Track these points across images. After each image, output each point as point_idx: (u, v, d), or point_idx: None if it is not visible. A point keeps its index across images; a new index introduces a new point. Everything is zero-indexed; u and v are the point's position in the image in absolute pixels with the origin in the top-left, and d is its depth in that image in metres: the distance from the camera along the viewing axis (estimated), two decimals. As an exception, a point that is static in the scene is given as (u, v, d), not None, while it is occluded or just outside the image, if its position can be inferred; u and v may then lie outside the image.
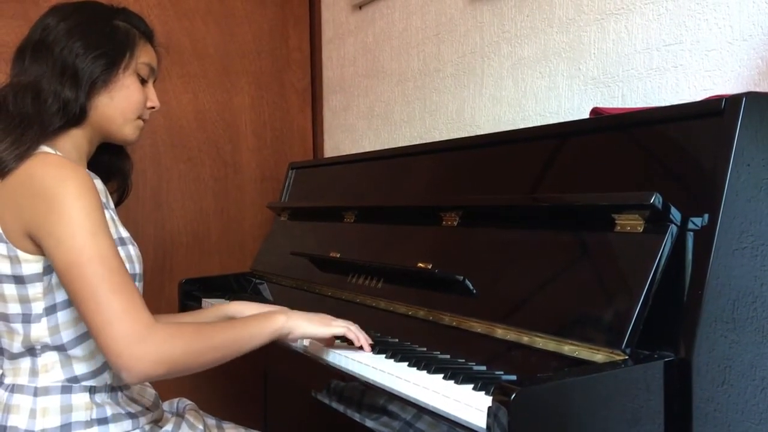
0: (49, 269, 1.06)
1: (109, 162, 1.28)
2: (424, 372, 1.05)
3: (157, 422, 1.22)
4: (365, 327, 1.22)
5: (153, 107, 1.23)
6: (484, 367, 1.08)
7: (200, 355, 1.04)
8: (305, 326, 1.15)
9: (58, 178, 1.02)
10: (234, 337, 1.09)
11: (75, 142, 1.15)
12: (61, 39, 1.12)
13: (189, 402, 1.35)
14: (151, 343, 0.98)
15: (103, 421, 1.10)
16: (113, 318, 0.97)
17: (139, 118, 1.21)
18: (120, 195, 1.31)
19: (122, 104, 1.17)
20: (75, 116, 1.11)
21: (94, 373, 1.11)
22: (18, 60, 1.15)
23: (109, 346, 0.97)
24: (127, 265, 1.12)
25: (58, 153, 1.10)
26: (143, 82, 1.20)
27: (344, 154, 2.34)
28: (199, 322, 1.29)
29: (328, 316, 1.20)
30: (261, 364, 2.15)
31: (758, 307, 0.96)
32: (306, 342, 1.28)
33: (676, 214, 0.95)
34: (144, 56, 1.20)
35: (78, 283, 0.99)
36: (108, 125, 1.17)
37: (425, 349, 1.21)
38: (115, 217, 1.17)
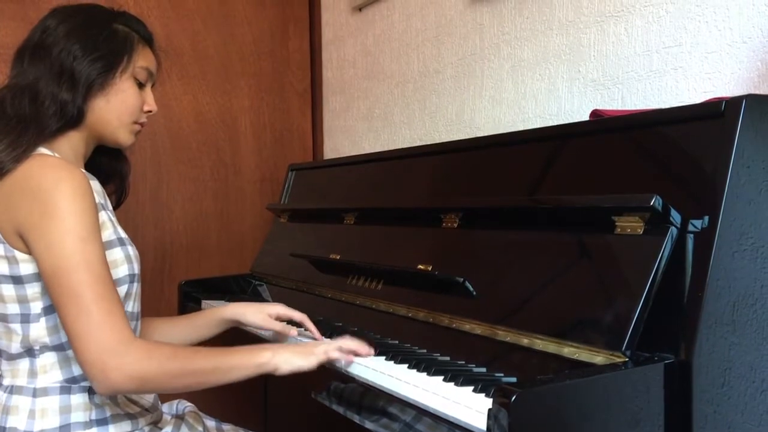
0: None
1: (107, 164, 1.28)
2: (424, 374, 1.05)
3: (157, 423, 1.22)
4: (365, 329, 1.22)
5: (150, 111, 1.23)
6: (484, 369, 1.08)
7: (174, 377, 1.03)
8: (292, 360, 1.11)
9: (54, 180, 1.02)
10: (213, 366, 1.07)
11: (72, 144, 1.15)
12: (59, 41, 1.12)
13: (189, 404, 1.35)
14: (126, 358, 0.98)
15: (102, 422, 1.10)
16: (92, 327, 0.98)
17: (136, 122, 1.21)
18: (118, 197, 1.31)
19: (118, 107, 1.17)
20: (72, 118, 1.12)
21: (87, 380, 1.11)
22: (17, 61, 1.15)
23: (84, 354, 0.98)
24: (126, 266, 1.13)
25: (56, 155, 1.10)
26: (141, 85, 1.20)
27: (344, 155, 2.34)
28: (180, 345, 1.28)
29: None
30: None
31: (758, 309, 0.96)
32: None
33: (676, 216, 0.95)
34: (142, 60, 1.20)
35: (63, 289, 0.99)
36: (103, 128, 1.17)
37: (425, 350, 1.21)
38: (113, 218, 1.17)
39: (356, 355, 1.15)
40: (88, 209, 1.03)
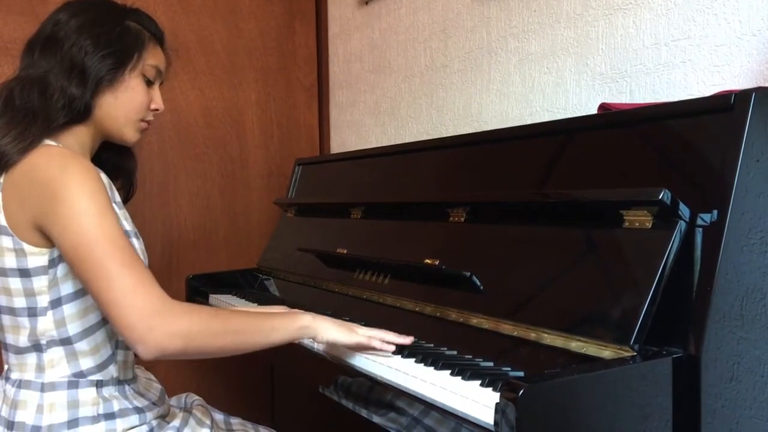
0: (54, 262, 1.06)
1: (113, 160, 1.29)
2: (432, 368, 1.05)
3: (164, 417, 1.22)
4: (372, 323, 1.22)
5: (157, 110, 1.23)
6: (491, 364, 1.08)
7: (217, 335, 1.02)
8: (332, 331, 1.11)
9: (61, 167, 1.02)
10: (255, 325, 1.06)
11: (78, 138, 1.15)
12: (71, 35, 1.12)
13: (197, 397, 1.35)
14: (167, 316, 0.97)
15: (110, 416, 1.10)
16: (126, 292, 0.96)
17: (143, 120, 1.21)
18: (126, 193, 1.32)
19: (125, 104, 1.17)
20: (79, 113, 1.12)
21: (100, 367, 1.11)
22: (27, 53, 1.16)
23: (124, 318, 0.96)
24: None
25: (61, 146, 1.10)
26: (149, 83, 1.20)
27: (351, 150, 2.34)
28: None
29: (354, 324, 1.16)
30: (267, 359, 2.16)
31: (767, 303, 0.96)
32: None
33: (684, 210, 0.94)
34: (152, 58, 1.20)
35: (87, 264, 0.98)
36: (109, 124, 1.17)
37: (432, 345, 1.21)
38: (120, 211, 1.17)
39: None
40: (98, 190, 1.03)
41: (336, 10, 2.48)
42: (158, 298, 0.98)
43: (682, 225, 0.94)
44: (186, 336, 0.98)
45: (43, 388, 1.08)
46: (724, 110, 0.96)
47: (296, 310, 1.15)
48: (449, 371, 1.02)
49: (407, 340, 1.16)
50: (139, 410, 1.14)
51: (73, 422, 1.07)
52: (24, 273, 1.06)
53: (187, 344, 0.98)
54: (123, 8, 1.21)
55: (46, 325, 1.08)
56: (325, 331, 1.11)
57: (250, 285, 2.00)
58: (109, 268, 0.97)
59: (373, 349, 1.13)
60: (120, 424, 1.11)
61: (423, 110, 2.04)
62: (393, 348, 1.13)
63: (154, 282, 1.00)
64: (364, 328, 1.16)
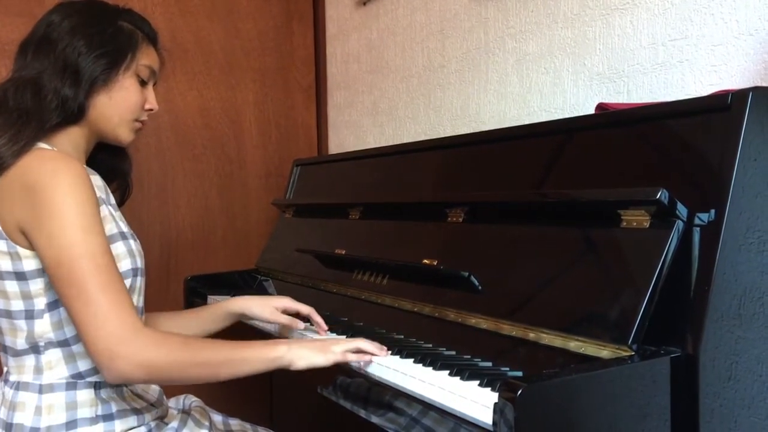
0: None
1: (108, 161, 1.28)
2: (430, 368, 1.05)
3: (163, 419, 1.22)
4: (371, 324, 1.22)
5: (151, 110, 1.23)
6: (490, 364, 1.08)
7: (184, 367, 1.03)
8: (308, 356, 1.10)
9: (52, 172, 1.02)
10: (225, 357, 1.06)
11: (73, 139, 1.15)
12: (64, 36, 1.12)
13: (195, 399, 1.35)
14: (135, 346, 0.98)
15: (108, 417, 1.10)
16: (99, 316, 0.98)
17: (137, 120, 1.21)
18: (122, 194, 1.31)
19: (120, 105, 1.17)
20: (73, 114, 1.12)
21: (98, 369, 1.11)
22: (21, 55, 1.15)
23: (93, 343, 0.98)
24: (128, 260, 1.13)
25: (54, 149, 1.10)
26: (143, 83, 1.20)
27: (349, 150, 2.34)
28: (190, 335, 1.29)
29: (331, 341, 1.14)
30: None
31: (765, 302, 0.96)
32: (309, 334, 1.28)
33: (682, 209, 0.94)
34: (145, 58, 1.20)
35: (67, 280, 0.99)
36: (104, 125, 1.17)
37: (431, 345, 1.21)
38: (115, 213, 1.17)
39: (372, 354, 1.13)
40: (87, 200, 1.03)
41: (334, 11, 2.48)
42: (129, 324, 0.99)
43: (679, 224, 0.94)
44: (149, 367, 0.99)
45: (41, 389, 1.08)
46: (722, 110, 0.96)
47: (275, 340, 1.13)
48: (448, 371, 1.02)
49: (383, 352, 1.13)
50: (137, 411, 1.14)
51: (72, 423, 1.07)
52: (20, 276, 1.06)
53: (150, 374, 1.01)
54: (116, 9, 1.21)
55: (43, 327, 1.08)
56: (299, 359, 1.09)
57: (248, 286, 2.00)
58: (86, 290, 0.99)
59: (352, 361, 1.12)
60: (118, 425, 1.11)
61: (421, 110, 2.04)
62: (369, 358, 1.12)
63: (130, 307, 1.01)
64: (341, 342, 1.13)
